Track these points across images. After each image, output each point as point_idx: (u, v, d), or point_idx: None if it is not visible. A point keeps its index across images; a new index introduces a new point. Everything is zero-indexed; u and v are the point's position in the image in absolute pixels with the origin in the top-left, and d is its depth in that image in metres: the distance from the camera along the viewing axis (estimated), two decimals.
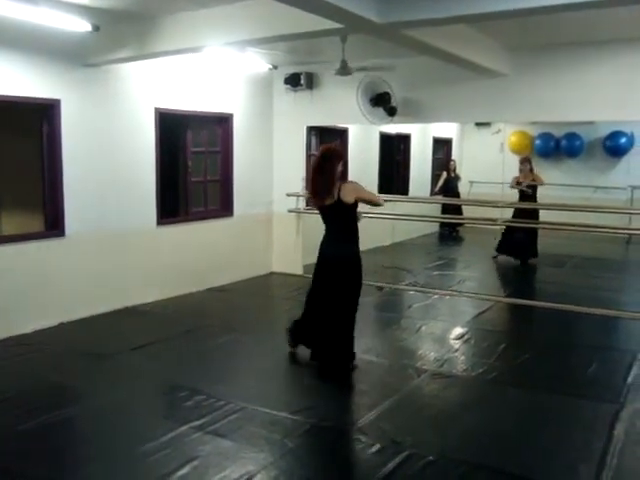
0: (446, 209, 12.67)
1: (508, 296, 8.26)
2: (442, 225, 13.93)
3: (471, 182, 14.46)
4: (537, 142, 14.34)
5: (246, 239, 8.77)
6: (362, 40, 5.74)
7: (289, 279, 8.57)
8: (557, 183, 12.94)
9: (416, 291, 8.32)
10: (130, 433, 4.16)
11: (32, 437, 4.00)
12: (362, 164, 11.18)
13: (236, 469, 3.60)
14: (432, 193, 13.86)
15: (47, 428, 4.12)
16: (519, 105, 7.37)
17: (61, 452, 3.88)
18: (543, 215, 9.86)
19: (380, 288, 8.16)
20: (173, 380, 5.03)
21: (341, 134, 10.78)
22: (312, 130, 10.12)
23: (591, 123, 12.85)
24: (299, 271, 8.74)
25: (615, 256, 11.83)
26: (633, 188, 13.27)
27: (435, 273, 9.67)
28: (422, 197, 12.90)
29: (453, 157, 14.69)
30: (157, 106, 7.30)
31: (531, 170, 10.37)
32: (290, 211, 8.96)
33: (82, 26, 5.61)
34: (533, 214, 9.79)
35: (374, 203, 5.27)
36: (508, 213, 10.06)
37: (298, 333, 5.50)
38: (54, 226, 6.43)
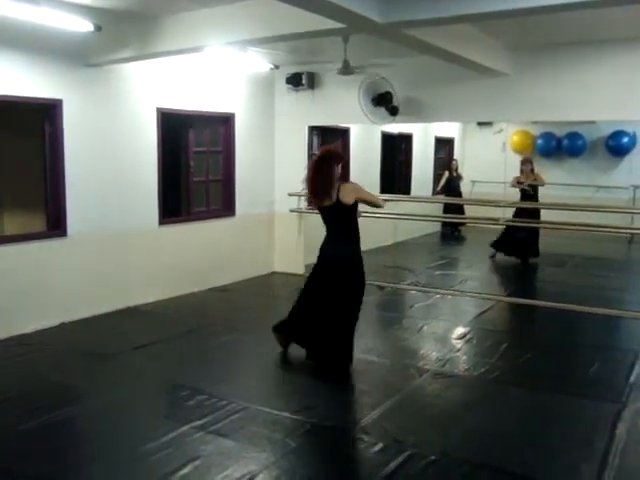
0: (448, 209, 12.67)
1: (510, 295, 8.25)
2: (444, 225, 13.92)
3: (473, 182, 14.48)
4: (539, 141, 14.33)
5: (248, 239, 8.78)
6: (364, 40, 5.74)
7: (291, 279, 8.57)
8: (559, 182, 12.94)
9: (418, 291, 8.31)
10: (132, 433, 4.16)
11: (33, 437, 4.01)
12: (364, 164, 11.19)
13: (238, 469, 3.60)
14: (434, 193, 13.86)
15: (48, 428, 4.12)
16: (520, 105, 7.37)
17: (62, 452, 3.88)
18: (545, 214, 9.86)
19: (382, 288, 8.15)
20: (175, 380, 5.02)
21: (343, 134, 10.78)
22: (314, 130, 10.14)
23: (593, 123, 12.85)
24: (301, 271, 8.74)
25: (617, 256, 11.80)
26: (635, 187, 13.27)
27: (437, 273, 9.66)
28: (424, 197, 12.90)
29: (455, 157, 14.68)
30: (159, 106, 7.30)
31: (532, 170, 10.34)
32: (292, 211, 8.96)
33: (84, 26, 5.62)
34: (534, 214, 9.79)
35: (374, 204, 5.26)
36: (510, 213, 10.07)
37: (289, 332, 5.48)
38: (56, 226, 6.44)
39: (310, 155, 9.43)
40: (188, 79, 7.66)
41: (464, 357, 5.71)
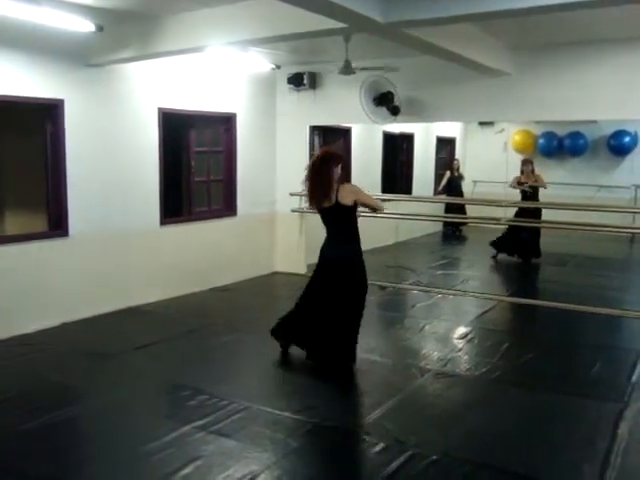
0: (449, 208, 12.66)
1: (511, 295, 8.25)
2: (445, 224, 13.91)
3: (474, 181, 14.48)
4: (541, 141, 14.32)
5: (249, 239, 8.78)
6: (365, 39, 5.74)
7: (292, 279, 8.56)
8: (560, 182, 12.93)
9: (419, 290, 8.31)
10: (133, 433, 4.16)
11: (34, 437, 4.01)
12: (365, 163, 11.20)
13: (239, 468, 3.60)
14: (435, 192, 13.86)
15: (49, 428, 4.12)
16: (521, 104, 7.36)
17: (63, 452, 3.87)
18: (546, 214, 9.85)
19: (383, 287, 8.15)
20: (176, 380, 5.02)
21: (344, 134, 10.78)
22: (315, 130, 10.12)
23: (595, 122, 12.83)
24: (302, 271, 8.73)
25: (618, 255, 11.80)
26: (637, 187, 13.27)
27: (438, 272, 9.66)
28: (425, 196, 12.89)
29: (456, 156, 14.67)
30: (160, 106, 7.30)
31: (532, 171, 10.33)
32: (293, 211, 8.95)
33: (86, 26, 5.62)
34: (536, 214, 9.78)
35: (373, 207, 5.24)
36: (511, 212, 10.07)
37: (288, 333, 5.47)
38: (58, 226, 6.44)
39: (312, 155, 9.41)
40: (189, 79, 7.66)
41: (466, 357, 5.70)
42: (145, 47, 6.06)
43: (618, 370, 5.34)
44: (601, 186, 13.44)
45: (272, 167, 9.15)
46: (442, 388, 4.96)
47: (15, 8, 4.99)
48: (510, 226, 10.04)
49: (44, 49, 6.04)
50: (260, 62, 8.09)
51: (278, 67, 8.56)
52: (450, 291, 8.18)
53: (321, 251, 5.21)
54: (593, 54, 6.84)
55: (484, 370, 5.26)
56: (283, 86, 8.81)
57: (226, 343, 5.98)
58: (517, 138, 14.47)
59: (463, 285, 8.66)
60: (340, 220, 5.08)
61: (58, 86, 6.23)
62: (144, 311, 7.03)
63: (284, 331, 5.49)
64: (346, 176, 9.89)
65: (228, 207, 8.52)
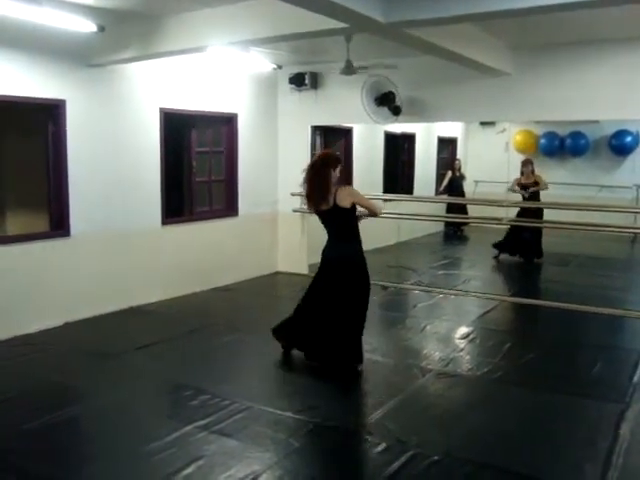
0: (451, 208, 12.65)
1: (513, 295, 8.25)
2: (447, 224, 13.90)
3: (476, 181, 14.46)
4: (542, 141, 14.30)
5: (251, 239, 8.78)
6: (367, 39, 5.74)
7: (294, 279, 8.56)
8: (562, 182, 12.93)
9: (421, 290, 8.31)
10: (134, 432, 4.16)
11: (35, 436, 4.01)
12: (367, 163, 11.21)
13: (241, 468, 3.60)
14: (437, 192, 13.84)
15: (51, 428, 4.12)
16: (522, 104, 7.36)
17: (65, 451, 3.88)
18: (548, 214, 9.84)
19: (385, 287, 8.15)
20: (177, 380, 5.03)
21: (346, 134, 10.78)
22: (317, 130, 10.12)
23: (596, 122, 12.81)
24: (304, 271, 8.73)
25: (620, 255, 11.79)
26: (638, 187, 13.24)
27: (440, 272, 9.65)
28: (427, 196, 12.89)
29: (458, 156, 14.67)
30: (162, 106, 7.31)
31: (533, 172, 10.32)
32: (295, 211, 8.95)
33: (87, 26, 5.62)
34: (537, 214, 9.77)
35: (371, 210, 5.23)
36: (513, 212, 10.07)
37: (290, 334, 5.46)
38: (59, 226, 6.44)
39: (313, 155, 9.41)
40: (191, 79, 7.67)
41: (467, 357, 5.70)
42: (146, 47, 6.06)
43: (620, 370, 5.33)
44: (603, 186, 13.43)
45: (273, 167, 9.15)
46: (444, 388, 4.96)
47: (16, 8, 4.99)
48: (512, 226, 10.03)
49: (45, 49, 6.05)
50: (261, 62, 8.08)
51: (279, 67, 8.56)
52: (452, 291, 8.18)
53: (323, 253, 5.21)
54: (593, 54, 6.84)
55: (486, 370, 5.26)
56: (284, 86, 8.81)
57: (228, 343, 5.99)
58: (518, 138, 14.45)
59: (465, 285, 8.66)
60: (340, 222, 5.07)
61: (59, 86, 6.23)
62: (146, 311, 7.03)
63: (286, 332, 5.49)
64: (347, 176, 9.93)
65: (229, 207, 8.52)
